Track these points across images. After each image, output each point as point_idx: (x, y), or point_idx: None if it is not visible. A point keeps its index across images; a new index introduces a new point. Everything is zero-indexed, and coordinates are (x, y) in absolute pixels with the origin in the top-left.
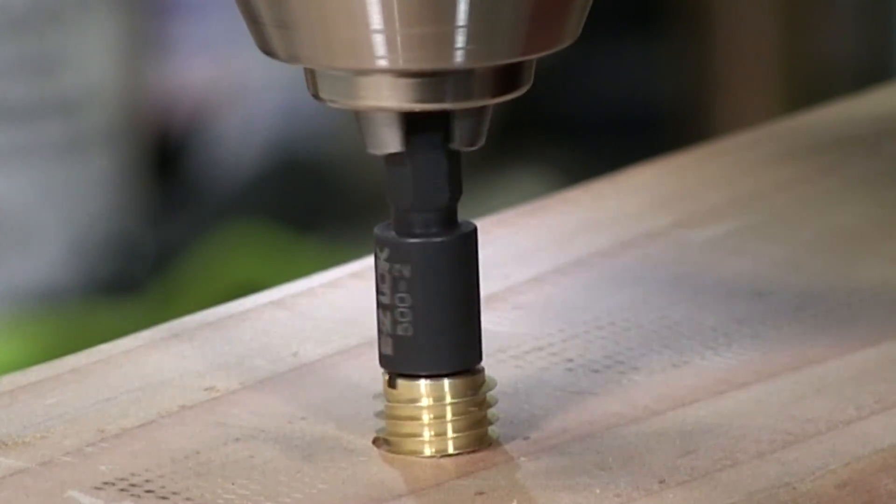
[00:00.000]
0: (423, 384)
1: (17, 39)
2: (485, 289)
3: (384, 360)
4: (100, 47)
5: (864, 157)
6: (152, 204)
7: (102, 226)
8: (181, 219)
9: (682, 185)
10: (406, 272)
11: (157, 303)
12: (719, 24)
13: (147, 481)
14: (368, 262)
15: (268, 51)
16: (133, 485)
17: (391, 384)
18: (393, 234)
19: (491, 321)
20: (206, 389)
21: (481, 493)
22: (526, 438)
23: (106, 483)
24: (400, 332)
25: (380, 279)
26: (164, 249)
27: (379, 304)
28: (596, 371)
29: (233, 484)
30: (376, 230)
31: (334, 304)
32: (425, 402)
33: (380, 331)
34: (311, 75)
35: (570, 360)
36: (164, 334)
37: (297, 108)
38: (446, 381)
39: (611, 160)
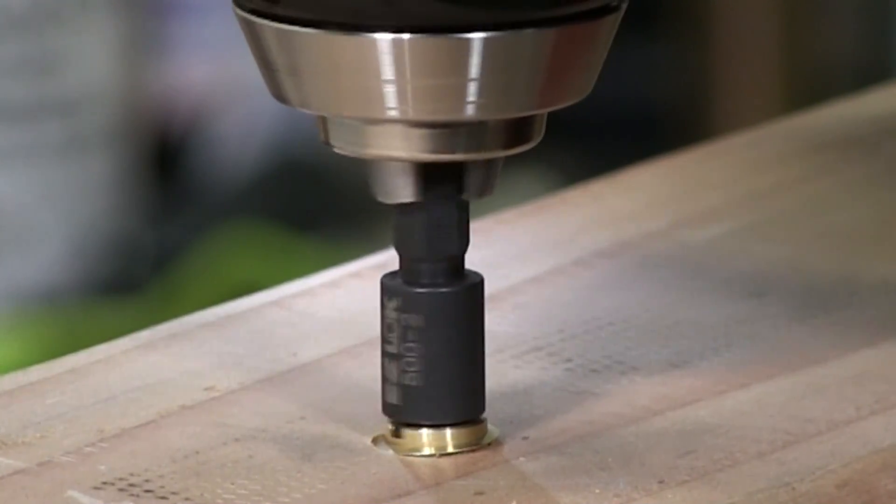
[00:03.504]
0: (426, 434)
1: (17, 39)
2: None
3: (390, 409)
4: (100, 47)
5: (864, 157)
6: (152, 204)
7: (102, 226)
8: (181, 219)
9: (682, 185)
10: (416, 322)
11: (157, 303)
12: (719, 24)
13: (146, 481)
14: (368, 262)
15: (280, 97)
16: (132, 484)
17: (397, 434)
18: (401, 283)
19: (491, 321)
20: (205, 389)
21: (480, 493)
22: (525, 438)
23: (105, 483)
24: (407, 381)
25: (387, 328)
26: (164, 249)
27: (385, 353)
28: (595, 371)
29: (232, 484)
30: (384, 279)
31: (334, 304)
32: (427, 451)
33: (385, 379)
34: (322, 122)
35: (570, 360)
36: (163, 334)
37: None
38: (448, 432)
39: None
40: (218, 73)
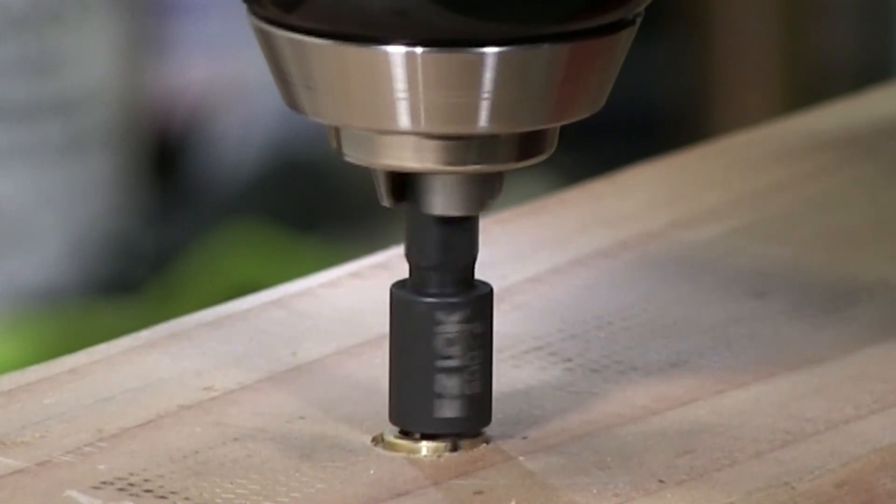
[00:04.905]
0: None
1: (17, 39)
2: None
3: (445, 425)
4: (100, 47)
5: (864, 157)
6: (152, 204)
7: (102, 226)
8: (181, 219)
9: (682, 185)
10: (480, 329)
11: (156, 303)
12: (719, 24)
13: (146, 481)
14: (368, 261)
15: (294, 106)
16: (131, 484)
17: (455, 448)
18: (456, 293)
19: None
20: (204, 389)
21: (480, 493)
22: (524, 438)
23: (104, 482)
24: (469, 391)
25: (445, 344)
26: (163, 249)
27: (441, 370)
28: (595, 371)
29: (231, 483)
30: (427, 305)
31: (334, 304)
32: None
33: (439, 395)
34: (334, 131)
35: (569, 360)
36: (162, 334)
37: None
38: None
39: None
40: (218, 73)
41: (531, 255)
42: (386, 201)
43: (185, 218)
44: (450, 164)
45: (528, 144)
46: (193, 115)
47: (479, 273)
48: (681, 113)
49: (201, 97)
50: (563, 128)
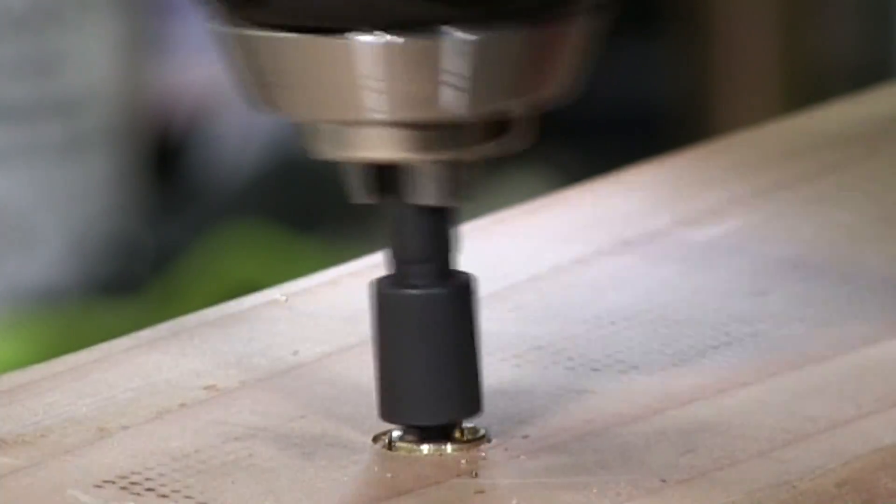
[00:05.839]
0: None
1: (17, 39)
2: (485, 288)
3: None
4: (100, 47)
5: (864, 157)
6: (152, 204)
7: (102, 226)
8: (181, 219)
9: (682, 185)
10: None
11: (156, 303)
12: (719, 24)
13: (147, 479)
14: (368, 261)
15: (264, 106)
16: (133, 483)
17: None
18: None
19: (491, 321)
20: (205, 388)
21: (481, 492)
22: (525, 437)
23: (106, 481)
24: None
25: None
26: (164, 249)
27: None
28: (596, 370)
29: (233, 482)
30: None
31: (334, 304)
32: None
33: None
34: (303, 129)
35: (571, 359)
36: (164, 333)
37: None
38: None
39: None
40: (218, 73)
41: (531, 255)
42: (361, 197)
43: (185, 218)
44: (422, 152)
45: (501, 132)
46: (193, 115)
47: (480, 273)
48: (681, 113)
49: (201, 97)
50: (563, 127)
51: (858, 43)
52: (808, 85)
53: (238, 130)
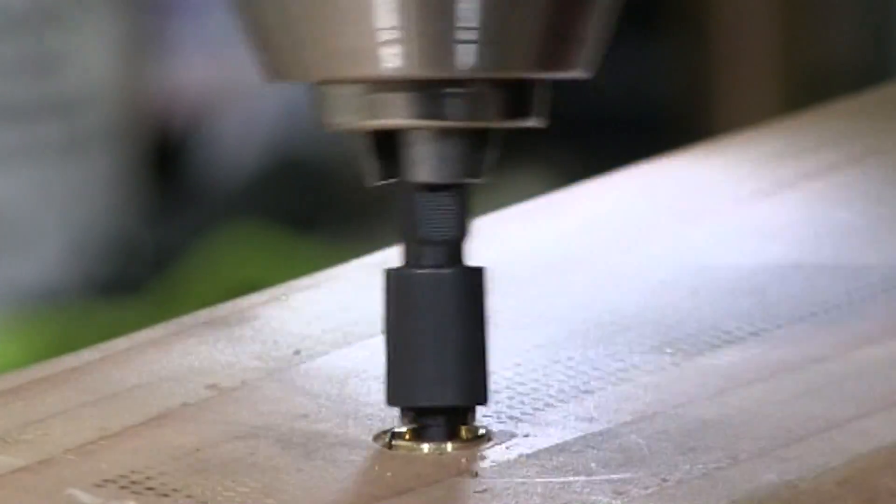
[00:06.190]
0: None
1: (17, 39)
2: None
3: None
4: (100, 47)
5: (864, 157)
6: (152, 204)
7: (102, 226)
8: (181, 219)
9: (682, 185)
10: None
11: (156, 303)
12: (719, 24)
13: (148, 478)
14: (368, 261)
15: (277, 75)
16: (134, 482)
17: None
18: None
19: (491, 320)
20: (207, 387)
21: (481, 491)
22: (526, 436)
23: (106, 480)
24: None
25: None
26: (164, 249)
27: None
28: (596, 369)
29: (233, 481)
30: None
31: (334, 303)
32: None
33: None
34: (319, 97)
35: (571, 359)
36: (164, 333)
37: (297, 108)
38: None
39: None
40: (218, 73)
41: (532, 255)
42: (373, 179)
43: (185, 218)
44: (434, 117)
45: (514, 102)
46: (193, 116)
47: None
48: (681, 112)
49: (201, 97)
50: (562, 127)
51: (858, 43)
52: (808, 85)
53: (238, 130)
